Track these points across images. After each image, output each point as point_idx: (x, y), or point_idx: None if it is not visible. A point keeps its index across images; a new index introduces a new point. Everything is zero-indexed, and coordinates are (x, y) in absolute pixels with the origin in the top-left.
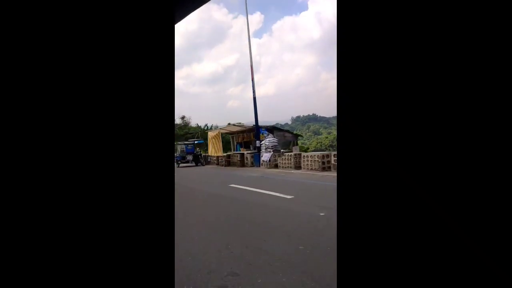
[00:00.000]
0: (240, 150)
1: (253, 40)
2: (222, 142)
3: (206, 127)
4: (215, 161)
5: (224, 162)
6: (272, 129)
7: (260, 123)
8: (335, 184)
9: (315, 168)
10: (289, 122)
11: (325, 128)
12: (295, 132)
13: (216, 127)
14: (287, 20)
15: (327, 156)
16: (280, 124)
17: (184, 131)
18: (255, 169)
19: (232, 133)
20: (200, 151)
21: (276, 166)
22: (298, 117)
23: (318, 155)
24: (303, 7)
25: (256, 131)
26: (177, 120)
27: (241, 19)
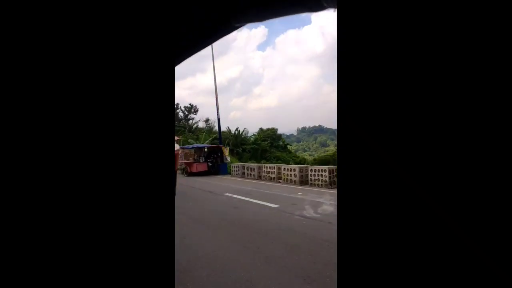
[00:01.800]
0: None
1: (256, 53)
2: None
3: (237, 131)
4: None
5: None
6: None
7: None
8: None
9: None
10: (295, 133)
11: (332, 139)
12: (301, 143)
13: (247, 132)
14: (291, 34)
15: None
16: (286, 135)
17: (213, 136)
18: None
19: None
20: None
21: None
22: (304, 128)
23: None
24: (307, 21)
25: None
26: (201, 124)
27: (246, 32)
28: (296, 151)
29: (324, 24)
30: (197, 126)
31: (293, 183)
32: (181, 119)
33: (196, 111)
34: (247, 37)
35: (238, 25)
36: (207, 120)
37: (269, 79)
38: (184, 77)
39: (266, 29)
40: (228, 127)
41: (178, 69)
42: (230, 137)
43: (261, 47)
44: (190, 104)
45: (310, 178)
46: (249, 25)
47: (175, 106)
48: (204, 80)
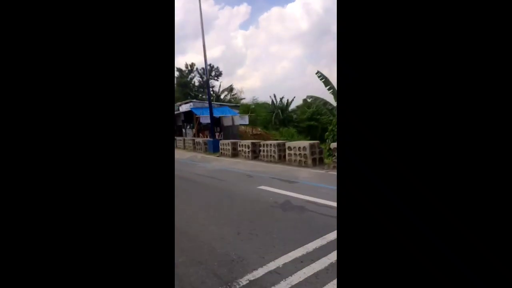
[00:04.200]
0: None
1: (239, 32)
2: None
3: (282, 102)
4: None
5: None
6: None
7: None
8: None
9: None
10: None
11: None
12: None
13: (290, 103)
14: (274, 12)
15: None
16: None
17: (273, 108)
18: None
19: None
20: None
21: None
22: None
23: None
24: None
25: None
26: (224, 95)
27: (228, 10)
28: None
29: (308, 1)
30: (225, 96)
31: None
32: (199, 87)
33: (218, 75)
34: (229, 16)
35: None
36: (231, 90)
37: (252, 59)
38: None
39: (249, 7)
40: (274, 95)
41: None
42: (276, 110)
43: (244, 26)
44: (210, 65)
45: None
46: (231, 2)
47: (190, 68)
48: (185, 62)
